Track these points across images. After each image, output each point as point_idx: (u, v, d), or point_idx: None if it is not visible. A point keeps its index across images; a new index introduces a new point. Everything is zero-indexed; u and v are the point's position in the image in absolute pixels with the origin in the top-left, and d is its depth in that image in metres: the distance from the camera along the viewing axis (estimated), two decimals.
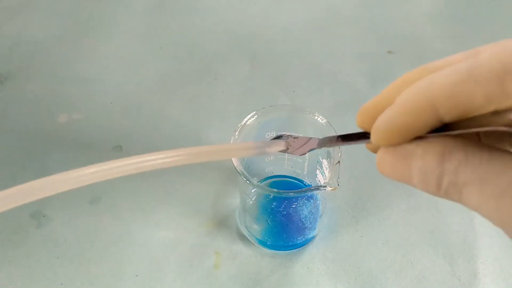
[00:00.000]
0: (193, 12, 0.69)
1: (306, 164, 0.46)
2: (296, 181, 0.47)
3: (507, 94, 0.17)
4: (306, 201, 0.43)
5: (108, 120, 0.56)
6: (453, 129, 0.20)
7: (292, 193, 0.40)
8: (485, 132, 0.22)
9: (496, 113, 0.18)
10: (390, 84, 0.23)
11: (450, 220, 0.48)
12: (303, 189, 0.41)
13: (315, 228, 0.46)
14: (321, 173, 0.45)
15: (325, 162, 0.44)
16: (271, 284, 0.44)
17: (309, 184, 0.46)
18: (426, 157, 0.20)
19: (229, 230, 0.47)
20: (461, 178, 0.19)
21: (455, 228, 0.47)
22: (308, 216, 0.44)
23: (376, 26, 0.67)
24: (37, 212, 0.48)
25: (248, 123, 0.42)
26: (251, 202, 0.44)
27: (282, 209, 0.43)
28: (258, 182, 0.47)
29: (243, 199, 0.44)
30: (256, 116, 0.43)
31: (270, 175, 0.47)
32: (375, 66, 0.62)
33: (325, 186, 0.39)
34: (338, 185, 0.38)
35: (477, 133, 0.23)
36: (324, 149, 0.43)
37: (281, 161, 0.45)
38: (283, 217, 0.44)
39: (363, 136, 0.24)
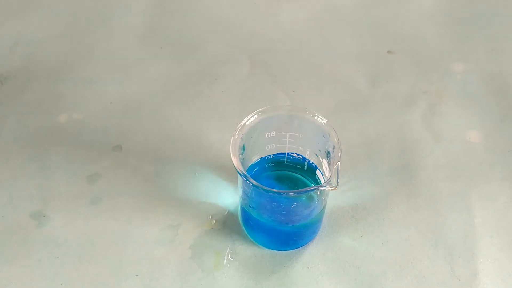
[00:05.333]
0: (193, 12, 0.69)
1: (306, 163, 0.46)
2: (298, 175, 0.47)
3: None
4: (306, 201, 0.43)
5: (108, 120, 0.56)
6: None
7: (292, 193, 0.40)
8: None
9: None
10: None
11: (450, 220, 0.48)
12: (303, 189, 0.42)
13: (315, 228, 0.46)
14: (321, 173, 0.45)
15: (325, 162, 0.44)
16: (271, 284, 0.44)
17: (312, 162, 0.46)
18: None
19: (229, 230, 0.47)
20: None
21: (455, 228, 0.47)
22: (308, 216, 0.44)
23: (376, 26, 0.67)
24: (37, 212, 0.48)
25: (248, 123, 0.42)
26: (251, 202, 0.44)
27: (282, 209, 0.43)
28: (259, 158, 0.46)
29: (243, 199, 0.44)
30: (256, 116, 0.43)
31: (271, 153, 0.46)
32: (375, 66, 0.62)
33: (325, 186, 0.39)
34: (338, 185, 0.38)
35: None
36: (324, 149, 0.43)
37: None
38: (283, 217, 0.44)
39: None
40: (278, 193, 0.39)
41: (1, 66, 0.61)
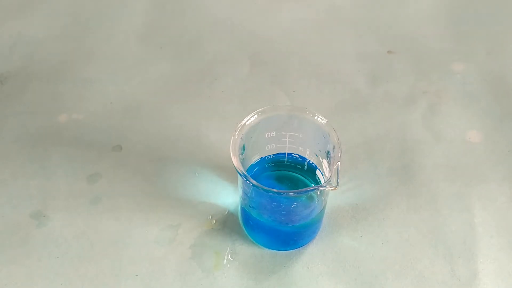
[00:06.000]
0: (193, 12, 0.69)
1: (306, 163, 0.46)
2: (298, 175, 0.47)
3: None
4: (306, 201, 0.43)
5: (108, 120, 0.56)
6: None
7: (292, 193, 0.40)
8: None
9: None
10: None
11: (450, 220, 0.48)
12: (303, 189, 0.41)
13: (315, 228, 0.46)
14: (321, 173, 0.45)
15: (325, 162, 0.44)
16: (271, 284, 0.44)
17: (312, 162, 0.46)
18: None
19: (229, 230, 0.47)
20: None
21: (455, 228, 0.47)
22: (308, 216, 0.44)
23: (376, 26, 0.67)
24: (37, 212, 0.48)
25: (248, 123, 0.42)
26: (251, 202, 0.44)
27: (282, 209, 0.43)
28: (259, 158, 0.46)
29: (243, 199, 0.44)
30: (256, 116, 0.43)
31: (271, 153, 0.46)
32: (375, 66, 0.62)
33: (325, 186, 0.39)
34: (338, 185, 0.38)
35: None
36: (324, 149, 0.43)
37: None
38: (283, 217, 0.44)
39: None
40: (278, 193, 0.39)
41: (1, 66, 0.61)
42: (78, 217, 0.48)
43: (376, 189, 0.50)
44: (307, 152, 0.45)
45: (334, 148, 0.41)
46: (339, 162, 0.39)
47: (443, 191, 0.50)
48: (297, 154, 0.46)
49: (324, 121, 0.42)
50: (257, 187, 0.39)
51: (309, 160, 0.46)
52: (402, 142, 0.54)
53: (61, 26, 0.67)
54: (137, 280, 0.44)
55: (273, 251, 0.46)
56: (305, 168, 0.46)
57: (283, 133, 0.44)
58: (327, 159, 0.43)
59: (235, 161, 0.40)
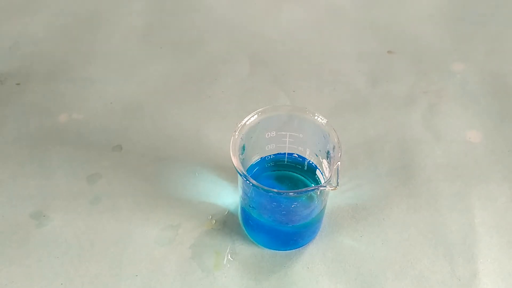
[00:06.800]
0: (193, 12, 0.69)
1: (306, 163, 0.46)
2: (298, 175, 0.47)
3: None
4: (306, 201, 0.43)
5: (108, 120, 0.56)
6: None
7: (292, 193, 0.40)
8: None
9: None
10: None
11: (450, 220, 0.48)
12: (303, 189, 0.41)
13: (315, 228, 0.46)
14: (321, 173, 0.45)
15: (325, 162, 0.44)
16: (271, 284, 0.44)
17: (312, 162, 0.46)
18: None
19: (229, 230, 0.47)
20: None
21: (455, 228, 0.47)
22: (308, 216, 0.44)
23: (376, 26, 0.67)
24: (37, 212, 0.48)
25: (248, 123, 0.42)
26: (251, 202, 0.44)
27: (282, 209, 0.43)
28: (259, 158, 0.46)
29: (243, 199, 0.44)
30: (256, 116, 0.43)
31: (271, 153, 0.46)
32: (375, 66, 0.62)
33: (325, 186, 0.39)
34: (338, 185, 0.38)
35: None
36: (324, 149, 0.43)
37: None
38: (283, 217, 0.44)
39: None
40: (278, 193, 0.39)
41: (1, 66, 0.62)
42: (78, 217, 0.48)
43: (376, 189, 0.50)
44: (307, 152, 0.45)
45: (334, 148, 0.41)
46: (339, 162, 0.39)
47: (443, 191, 0.50)
48: (297, 154, 0.46)
49: (324, 121, 0.42)
50: (257, 187, 0.39)
51: (309, 160, 0.46)
52: (402, 142, 0.54)
53: (61, 26, 0.67)
54: (137, 280, 0.44)
55: (273, 251, 0.46)
56: (305, 168, 0.46)
57: (283, 133, 0.44)
58: (327, 159, 0.43)
59: (235, 161, 0.40)
